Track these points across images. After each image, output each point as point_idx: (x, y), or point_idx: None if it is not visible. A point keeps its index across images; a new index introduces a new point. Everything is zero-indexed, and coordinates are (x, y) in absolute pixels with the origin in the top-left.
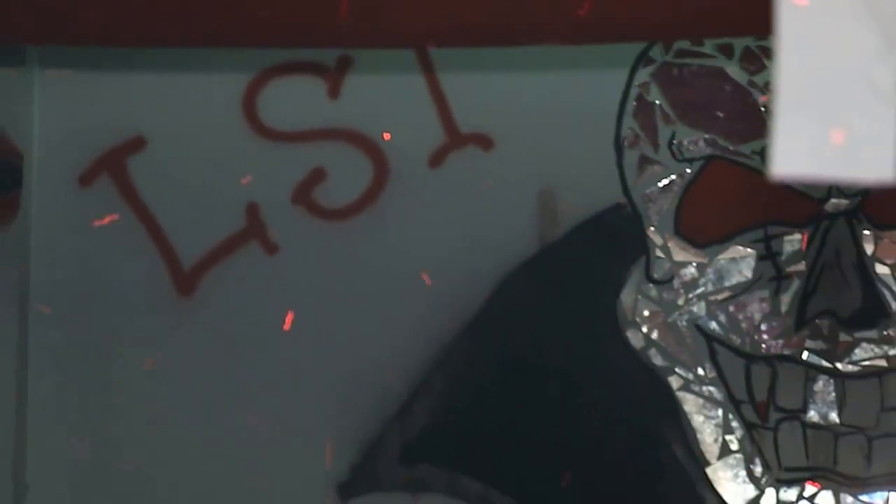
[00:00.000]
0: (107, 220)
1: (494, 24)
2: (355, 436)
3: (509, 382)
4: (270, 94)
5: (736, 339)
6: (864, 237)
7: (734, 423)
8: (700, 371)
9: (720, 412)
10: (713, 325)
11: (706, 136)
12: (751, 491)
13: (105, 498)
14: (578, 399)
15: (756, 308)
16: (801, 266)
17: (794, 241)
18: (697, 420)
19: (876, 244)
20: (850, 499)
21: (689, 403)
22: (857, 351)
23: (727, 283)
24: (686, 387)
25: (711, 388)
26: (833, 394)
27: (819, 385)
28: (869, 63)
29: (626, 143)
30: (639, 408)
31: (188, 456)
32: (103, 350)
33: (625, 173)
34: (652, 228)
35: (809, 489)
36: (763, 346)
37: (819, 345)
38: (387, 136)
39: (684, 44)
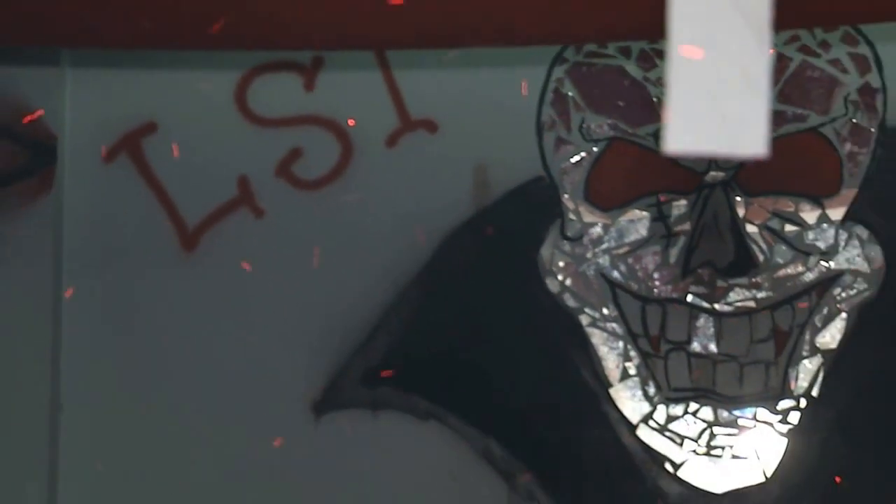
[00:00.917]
0: (125, 190)
1: (438, 30)
2: (327, 365)
3: (452, 320)
4: (257, 88)
5: (633, 285)
6: (736, 203)
7: (632, 353)
8: (604, 311)
9: (621, 344)
10: (615, 273)
11: (609, 121)
12: (646, 407)
13: (129, 412)
14: (509, 333)
15: (650, 260)
16: (686, 226)
17: (680, 206)
18: (602, 350)
19: (746, 208)
20: (725, 413)
21: (596, 337)
22: (731, 294)
23: (626, 240)
24: (593, 323)
25: (614, 325)
26: (712, 329)
27: (700, 322)
28: (744, 58)
29: (545, 127)
30: (556, 340)
31: (193, 378)
32: (124, 294)
33: (544, 152)
34: (566, 196)
35: (693, 406)
36: (655, 290)
37: (700, 289)
38: (351, 121)
39: (592, 47)
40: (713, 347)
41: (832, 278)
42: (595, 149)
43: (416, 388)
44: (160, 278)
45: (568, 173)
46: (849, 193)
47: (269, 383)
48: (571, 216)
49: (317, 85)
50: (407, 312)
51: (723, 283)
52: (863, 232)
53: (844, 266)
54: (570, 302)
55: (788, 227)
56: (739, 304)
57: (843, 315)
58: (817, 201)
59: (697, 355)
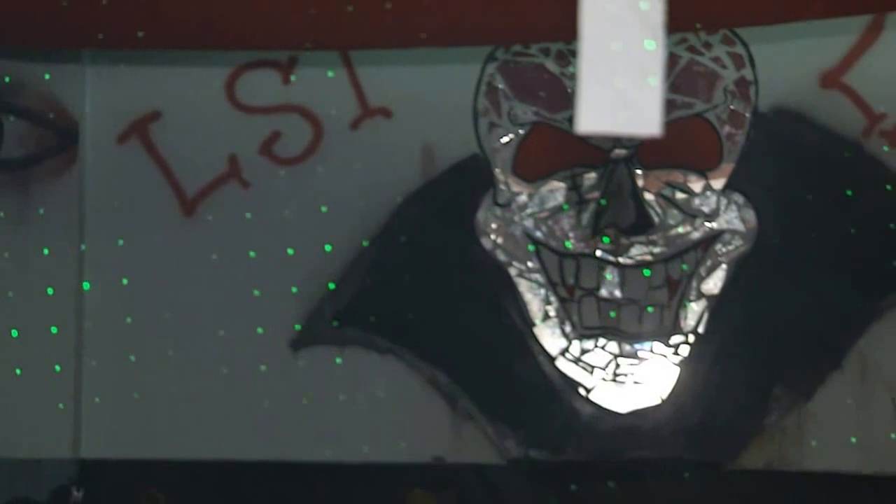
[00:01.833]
0: (135, 166)
1: (391, 34)
2: (303, 309)
3: (404, 272)
4: (243, 82)
5: (553, 243)
6: (636, 175)
7: (551, 298)
8: (529, 264)
9: (542, 291)
10: (538, 233)
11: (532, 108)
12: (563, 343)
13: (142, 342)
14: (451, 282)
15: (566, 222)
16: (596, 194)
17: (590, 178)
18: (527, 296)
19: (645, 179)
20: (627, 347)
21: (522, 285)
22: (632, 250)
23: (547, 206)
24: (520, 274)
25: (536, 275)
26: (617, 278)
27: (608, 272)
28: (641, 55)
29: (479, 114)
30: (489, 288)
31: (195, 316)
32: (135, 249)
33: (479, 134)
34: (497, 170)
35: (601, 341)
36: (570, 247)
37: (608, 246)
38: (321, 109)
39: (518, 47)
40: (618, 293)
41: (714, 236)
42: (521, 131)
43: (375, 328)
44: (165, 237)
45: (499, 151)
46: (727, 167)
47: (256, 322)
48: (502, 187)
49: (292, 79)
50: (368, 266)
51: (625, 240)
52: (739, 198)
53: (724, 226)
54: (501, 257)
55: (679, 195)
56: (639, 257)
57: (724, 266)
58: (702, 174)
59: (605, 300)
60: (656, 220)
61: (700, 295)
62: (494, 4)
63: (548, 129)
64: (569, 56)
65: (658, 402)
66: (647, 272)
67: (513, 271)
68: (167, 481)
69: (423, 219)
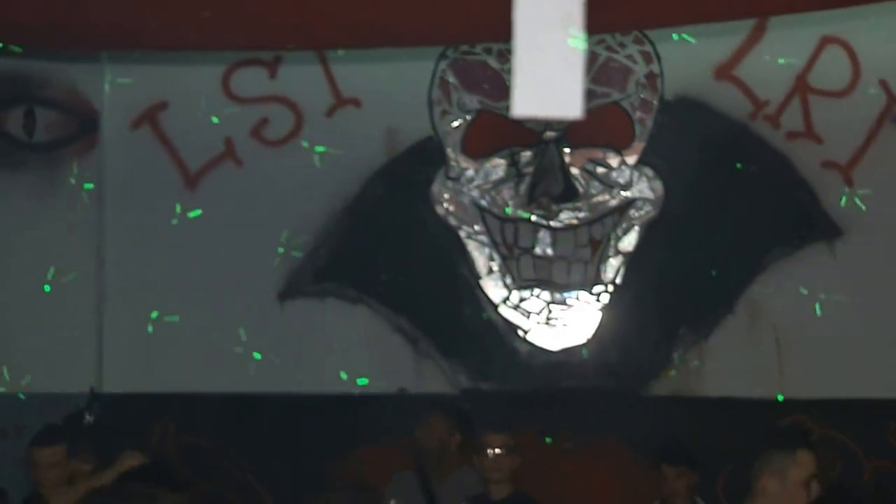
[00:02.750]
0: (146, 148)
1: (360, 36)
2: (288, 267)
3: (372, 235)
4: (237, 76)
5: (495, 210)
6: (564, 153)
7: (495, 256)
8: (476, 227)
9: (487, 250)
10: (483, 202)
11: (478, 98)
12: (504, 292)
13: (155, 292)
14: (411, 243)
15: (506, 193)
16: (530, 169)
17: (526, 155)
18: (475, 254)
19: (571, 156)
20: (557, 295)
21: (470, 245)
22: (561, 215)
23: (490, 179)
24: (468, 236)
25: (482, 237)
26: (549, 238)
27: (541, 234)
28: (566, 52)
29: (434, 103)
30: (443, 248)
31: (199, 274)
32: (147, 217)
33: (434, 119)
34: (448, 149)
35: (536, 291)
36: (510, 213)
37: (540, 212)
38: (301, 99)
39: (465, 47)
40: (550, 251)
41: (629, 203)
42: (468, 117)
43: (348, 282)
44: (171, 209)
45: (450, 134)
46: (639, 146)
47: (248, 277)
48: (452, 163)
49: (277, 75)
50: (342, 230)
51: (556, 207)
52: (649, 172)
53: (637, 195)
54: (452, 221)
55: (599, 169)
56: (567, 221)
57: (636, 228)
58: (618, 151)
59: (539, 257)
60: (581, 190)
61: (617, 252)
62: (445, 11)
63: (490, 115)
64: (507, 54)
65: (583, 341)
66: (574, 233)
67: (462, 233)
68: (176, 412)
69: (387, 191)
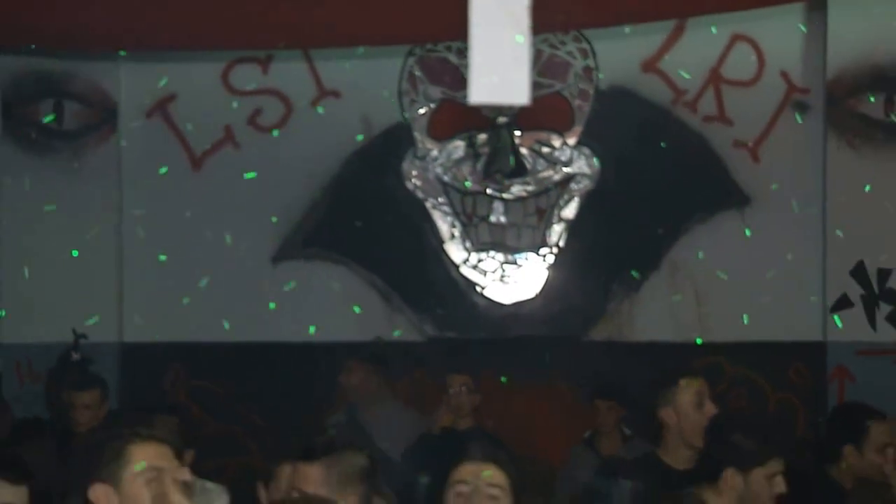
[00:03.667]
0: (158, 134)
1: (339, 36)
2: (281, 234)
3: (351, 207)
4: (235, 72)
5: (456, 184)
6: (515, 135)
7: (456, 223)
8: (439, 199)
9: (449, 219)
10: (445, 177)
11: (440, 88)
12: (464, 254)
13: (168, 253)
14: (384, 213)
15: (465, 170)
16: (486, 149)
17: (482, 138)
18: (439, 222)
19: (521, 138)
20: (509, 256)
21: (435, 215)
22: (512, 189)
23: (452, 158)
24: (434, 207)
25: (445, 207)
26: (502, 208)
27: (495, 204)
28: (515, 48)
29: (403, 93)
30: (412, 217)
31: (204, 240)
32: (159, 195)
33: (403, 107)
34: (416, 133)
35: (492, 253)
36: (469, 186)
37: (495, 186)
38: (289, 91)
39: (429, 46)
40: (503, 219)
41: (569, 178)
42: (432, 105)
43: (331, 246)
44: (180, 186)
45: (417, 120)
46: (578, 129)
47: (247, 243)
48: (419, 145)
49: (269, 70)
50: (326, 202)
51: (507, 182)
52: (586, 151)
53: (577, 171)
54: (420, 194)
55: (544, 149)
56: (517, 193)
57: (576, 199)
58: (560, 134)
59: (493, 224)
60: (529, 167)
61: (560, 219)
62: (412, 15)
63: (451, 104)
64: (464, 51)
65: (532, 295)
66: (523, 204)
67: (428, 205)
68: (185, 359)
69: (364, 168)
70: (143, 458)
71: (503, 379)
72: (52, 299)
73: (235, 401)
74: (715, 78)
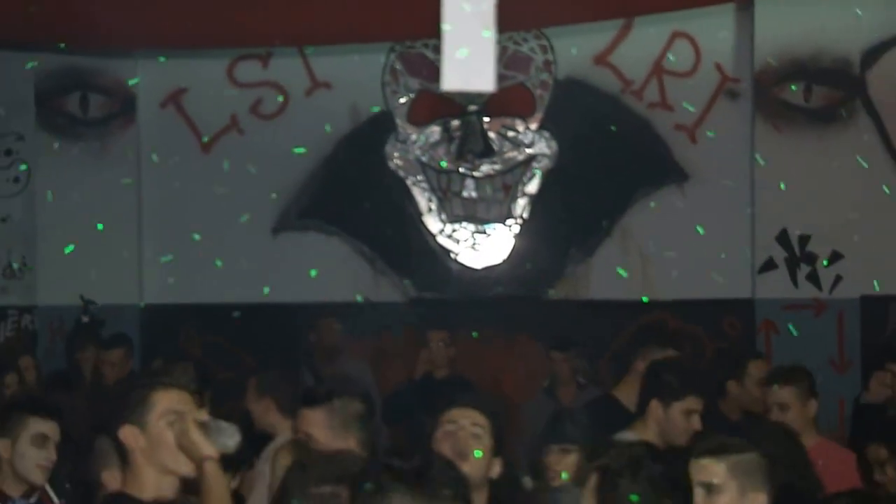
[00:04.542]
0: (172, 122)
1: (330, 34)
2: (279, 207)
3: (342, 184)
4: (239, 67)
5: (433, 164)
6: (484, 121)
7: (433, 198)
8: (418, 177)
9: (427, 194)
10: (424, 158)
11: (418, 80)
12: (441, 225)
13: (182, 225)
14: (370, 190)
15: (441, 151)
16: (458, 133)
17: (455, 124)
18: (418, 198)
19: (489, 124)
20: (480, 227)
21: (415, 191)
22: (482, 168)
23: (429, 141)
24: (414, 184)
25: (423, 184)
26: (473, 185)
27: (467, 182)
28: (482, 43)
29: (386, 85)
30: (395, 193)
31: (213, 213)
32: (173, 174)
33: (386, 97)
34: (398, 120)
35: (464, 223)
36: (444, 166)
37: (467, 165)
38: (286, 84)
39: (408, 43)
40: (474, 194)
41: (532, 158)
42: (412, 95)
43: (324, 219)
44: (190, 167)
45: (399, 108)
46: (539, 115)
47: (251, 216)
48: (401, 129)
49: (269, 65)
50: (318, 181)
51: (478, 162)
52: (546, 134)
53: (538, 152)
54: (401, 173)
55: (510, 133)
56: (486, 172)
57: (538, 176)
58: (524, 119)
59: (466, 199)
60: (496, 148)
61: (524, 194)
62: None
63: (428, 94)
64: (439, 47)
65: (500, 261)
66: (491, 180)
67: (408, 182)
68: (197, 318)
69: (352, 151)
70: (166, 404)
71: (475, 334)
72: (79, 267)
73: (241, 353)
74: (658, 70)
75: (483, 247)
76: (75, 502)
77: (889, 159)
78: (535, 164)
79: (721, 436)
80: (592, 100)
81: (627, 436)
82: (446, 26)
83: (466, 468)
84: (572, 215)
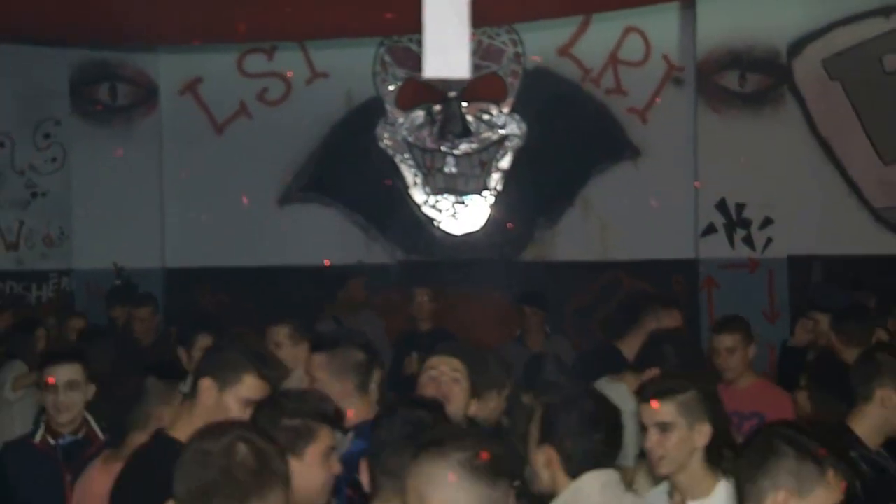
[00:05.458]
0: (189, 107)
1: (325, 30)
2: (284, 180)
3: (339, 160)
4: (247, 59)
5: (418, 143)
6: (462, 105)
7: (418, 173)
8: (405, 155)
9: (413, 169)
10: (410, 138)
11: (404, 70)
12: (425, 197)
13: (199, 197)
14: (364, 166)
15: (424, 132)
16: (440, 116)
17: (437, 108)
18: (406, 172)
19: (467, 108)
20: (460, 198)
21: (402, 167)
22: (461, 146)
23: (415, 124)
24: (401, 161)
25: (409, 161)
26: (453, 162)
27: (448, 159)
28: (455, 27)
29: (377, 74)
30: (385, 167)
31: (226, 185)
32: (191, 153)
33: (377, 85)
34: (387, 105)
35: (446, 195)
36: (417, 145)
37: (447, 144)
38: (290, 73)
39: (395, 37)
40: (454, 170)
41: (504, 137)
42: (399, 83)
43: (324, 192)
44: (205, 147)
45: (388, 94)
46: (511, 100)
47: (259, 189)
48: (389, 113)
49: (273, 58)
50: (318, 158)
51: (457, 141)
52: (517, 116)
53: (510, 132)
54: (390, 151)
55: (485, 116)
56: (464, 150)
57: (510, 153)
58: (497, 104)
59: (447, 174)
60: (473, 129)
61: (498, 169)
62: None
63: (414, 82)
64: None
65: (477, 228)
66: (469, 157)
67: (397, 159)
68: (210, 279)
69: (347, 132)
70: (248, 391)
71: (456, 292)
72: (111, 235)
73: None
74: (613, 60)
75: (462, 215)
76: (116, 436)
77: (812, 137)
78: (507, 143)
79: (665, 380)
80: (556, 87)
81: (610, 385)
82: (427, 20)
83: (449, 410)
84: (540, 187)
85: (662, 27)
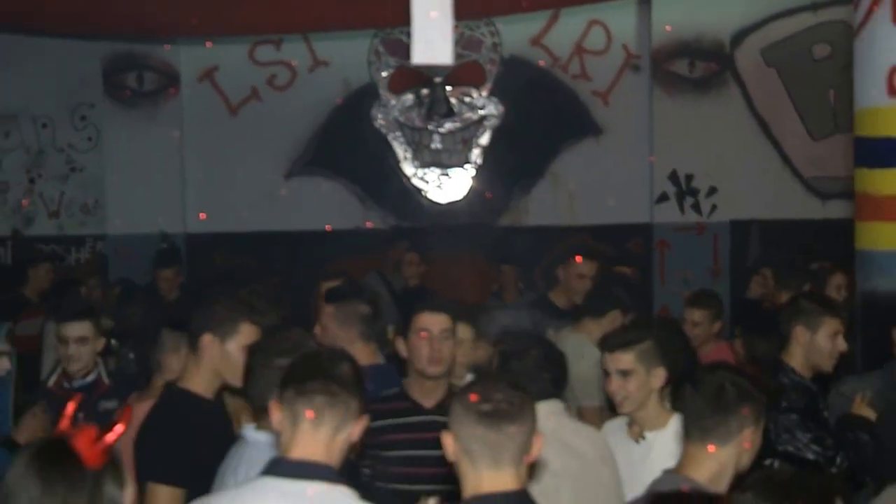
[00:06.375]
0: (207, 93)
1: (325, 23)
2: (290, 157)
3: (340, 139)
4: (258, 49)
5: (408, 123)
6: (446, 89)
7: (409, 149)
8: (397, 133)
9: (404, 145)
10: (401, 119)
11: (396, 59)
12: (413, 170)
13: (216, 169)
14: (361, 143)
15: (413, 113)
16: (427, 99)
17: (425, 91)
18: (398, 149)
19: (451, 91)
20: (445, 171)
21: (395, 144)
22: (446, 125)
23: (405, 106)
24: (393, 139)
25: (400, 139)
26: (439, 138)
27: (434, 136)
28: (439, 17)
29: (371, 62)
30: (379, 144)
31: (241, 159)
32: (208, 133)
33: (371, 72)
34: (381, 89)
35: (433, 169)
36: (417, 125)
37: (434, 124)
38: (295, 62)
39: (388, 29)
40: (439, 146)
41: (484, 117)
42: (391, 70)
43: (326, 166)
44: (221, 127)
45: (382, 80)
46: (490, 85)
47: (268, 163)
48: (383, 97)
49: (281, 48)
50: (319, 137)
51: (442, 121)
52: (495, 99)
53: (488, 113)
54: (384, 131)
55: (467, 98)
56: (449, 129)
57: (489, 131)
58: (477, 88)
59: (433, 150)
60: (456, 111)
61: (478, 145)
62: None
63: (404, 69)
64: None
65: (460, 197)
66: (453, 134)
67: (389, 137)
68: (224, 243)
69: (346, 114)
70: (247, 337)
71: (441, 254)
72: (138, 204)
73: (260, 271)
74: (579, 49)
75: (447, 186)
76: (123, 382)
77: (751, 117)
78: (486, 123)
79: (624, 332)
80: (529, 73)
81: (571, 336)
82: (414, 12)
83: (441, 370)
84: (514, 161)
85: (622, 20)
